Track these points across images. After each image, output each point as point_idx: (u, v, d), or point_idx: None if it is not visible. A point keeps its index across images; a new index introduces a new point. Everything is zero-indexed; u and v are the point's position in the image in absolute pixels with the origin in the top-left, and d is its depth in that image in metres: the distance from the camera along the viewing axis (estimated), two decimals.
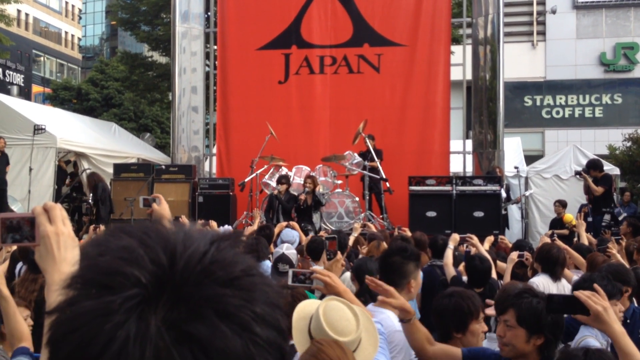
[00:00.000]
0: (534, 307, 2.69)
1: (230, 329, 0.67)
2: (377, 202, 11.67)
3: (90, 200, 12.53)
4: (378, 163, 11.21)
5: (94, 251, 0.73)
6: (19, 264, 5.72)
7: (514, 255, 5.83)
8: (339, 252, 4.03)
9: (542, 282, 5.13)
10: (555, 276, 5.14)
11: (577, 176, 12.07)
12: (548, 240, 6.74)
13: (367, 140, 11.36)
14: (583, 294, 2.37)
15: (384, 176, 11.04)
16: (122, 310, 0.66)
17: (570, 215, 10.97)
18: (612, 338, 2.39)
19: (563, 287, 5.11)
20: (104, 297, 0.68)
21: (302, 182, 10.91)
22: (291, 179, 11.33)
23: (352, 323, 2.40)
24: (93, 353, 0.65)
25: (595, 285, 2.49)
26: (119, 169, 12.95)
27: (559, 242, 5.86)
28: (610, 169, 14.37)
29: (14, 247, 6.18)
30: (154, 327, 0.66)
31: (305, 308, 2.51)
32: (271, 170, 11.84)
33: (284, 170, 11.64)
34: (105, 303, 0.67)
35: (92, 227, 8.27)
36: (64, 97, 36.58)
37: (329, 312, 2.38)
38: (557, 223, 12.27)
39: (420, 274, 3.75)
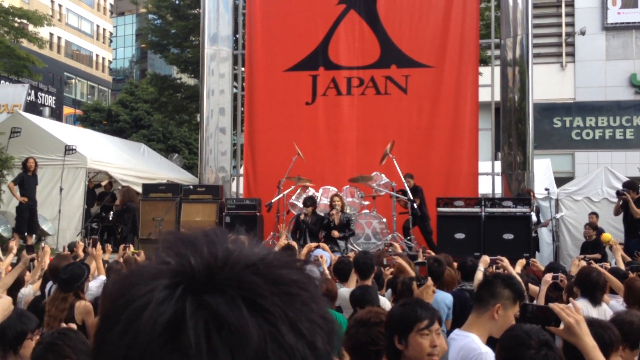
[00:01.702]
0: None
1: (251, 315, 0.66)
2: (424, 239, 11.40)
3: (111, 217, 12.67)
4: (415, 202, 11.00)
5: (163, 236, 0.78)
6: (49, 283, 5.77)
7: (548, 277, 5.72)
8: (429, 278, 3.93)
9: (581, 307, 5.00)
10: (595, 300, 5.01)
11: (619, 196, 11.78)
12: (579, 264, 6.61)
13: (405, 180, 11.24)
14: (557, 306, 2.38)
15: (411, 197, 10.96)
16: (156, 277, 0.69)
17: (608, 235, 10.74)
18: (583, 351, 2.37)
19: (604, 312, 4.98)
20: (150, 267, 0.72)
21: (328, 203, 10.87)
22: (318, 200, 11.31)
23: None
24: (117, 314, 0.68)
25: (571, 300, 2.48)
26: (148, 189, 13.06)
27: (596, 266, 5.73)
28: None
29: (47, 264, 6.25)
30: (179, 295, 0.67)
31: None
32: (298, 190, 11.84)
33: (310, 191, 11.62)
34: (146, 269, 0.72)
35: (122, 246, 8.33)
36: (95, 118, 37.13)
37: None
38: (588, 246, 12.04)
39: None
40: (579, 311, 2.39)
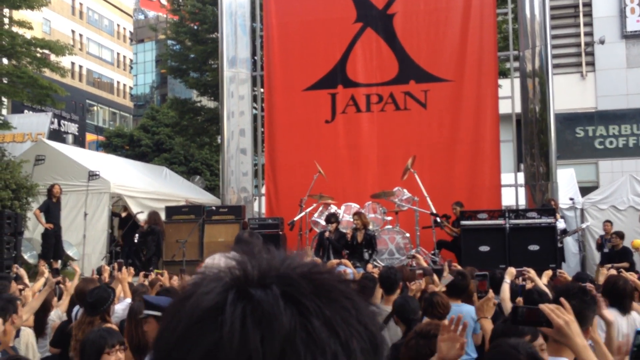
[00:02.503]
0: None
1: (286, 306, 0.70)
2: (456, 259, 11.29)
3: (135, 240, 12.73)
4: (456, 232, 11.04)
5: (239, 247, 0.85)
6: (76, 307, 5.80)
7: None
8: (490, 291, 3.89)
9: (611, 316, 4.92)
10: (625, 309, 4.91)
11: None
12: (607, 273, 6.50)
13: (453, 208, 11.51)
14: (548, 307, 2.36)
15: (434, 211, 10.92)
16: (216, 279, 0.76)
17: (638, 241, 10.57)
18: (574, 352, 2.36)
19: (634, 321, 4.88)
20: (221, 271, 0.78)
21: (351, 220, 10.86)
22: (340, 217, 11.29)
23: None
24: (176, 301, 0.77)
25: (562, 299, 2.46)
26: (171, 211, 13.14)
27: (625, 274, 5.63)
28: None
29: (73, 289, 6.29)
30: (223, 285, 0.74)
31: None
32: (320, 208, 11.84)
33: (333, 209, 11.62)
34: (213, 274, 0.78)
35: (142, 274, 8.35)
36: (117, 143, 37.56)
37: None
38: (615, 255, 11.86)
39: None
40: (569, 311, 2.36)
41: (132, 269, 8.03)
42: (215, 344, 0.69)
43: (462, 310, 5.49)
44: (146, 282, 7.31)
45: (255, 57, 15.74)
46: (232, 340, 0.68)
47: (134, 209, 14.39)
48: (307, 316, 0.70)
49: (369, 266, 8.53)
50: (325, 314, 0.71)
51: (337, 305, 0.73)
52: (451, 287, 5.75)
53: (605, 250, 12.63)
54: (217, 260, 5.56)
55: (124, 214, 14.15)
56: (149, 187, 15.94)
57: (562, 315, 2.33)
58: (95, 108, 54.27)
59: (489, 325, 3.44)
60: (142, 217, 13.55)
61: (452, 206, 11.56)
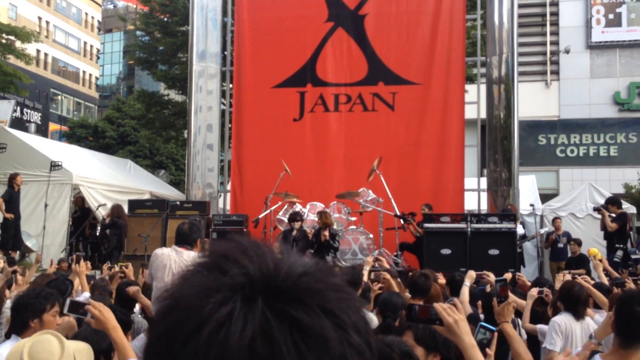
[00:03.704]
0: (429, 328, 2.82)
1: (329, 322, 0.70)
2: (418, 261, 11.34)
3: (98, 233, 12.57)
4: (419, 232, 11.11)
5: (212, 245, 0.79)
6: None
7: (534, 291, 5.75)
8: (510, 295, 3.96)
9: (564, 321, 5.04)
10: (578, 314, 5.04)
11: (596, 212, 12.00)
12: (563, 278, 6.66)
13: (422, 209, 11.58)
14: (440, 306, 2.48)
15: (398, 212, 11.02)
16: (228, 289, 0.70)
17: (595, 249, 10.85)
18: (461, 349, 2.46)
19: (587, 326, 5.00)
20: (213, 276, 0.73)
21: (315, 219, 10.89)
22: (305, 216, 11.32)
23: (54, 356, 2.72)
24: (194, 325, 0.69)
25: (455, 300, 2.62)
26: (134, 205, 13.01)
27: (581, 281, 5.78)
28: (626, 207, 14.26)
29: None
30: (259, 306, 0.69)
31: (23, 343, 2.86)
32: (285, 206, 11.85)
33: (298, 207, 11.64)
34: (213, 280, 0.72)
35: (105, 266, 8.25)
36: (81, 134, 37.02)
37: (35, 344, 2.75)
38: (572, 262, 12.14)
39: None
40: (460, 311, 2.47)
41: (88, 264, 7.92)
42: None
43: None
44: (107, 278, 7.22)
45: (225, 52, 15.66)
46: None
47: (97, 201, 14.21)
48: (344, 328, 0.71)
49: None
50: (352, 319, 0.73)
51: (352, 306, 0.75)
52: (414, 288, 5.80)
53: (560, 245, 13.02)
54: (166, 252, 5.54)
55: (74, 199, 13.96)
56: (112, 179, 15.74)
57: (453, 314, 2.44)
58: (59, 97, 53.33)
59: (510, 328, 3.59)
60: (104, 210, 13.38)
61: (421, 207, 11.67)
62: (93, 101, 59.27)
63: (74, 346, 2.87)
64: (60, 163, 13.54)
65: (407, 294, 5.60)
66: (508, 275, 6.72)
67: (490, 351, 2.80)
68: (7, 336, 5.55)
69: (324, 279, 0.75)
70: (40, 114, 44.29)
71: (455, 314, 2.45)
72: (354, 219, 11.63)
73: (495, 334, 2.84)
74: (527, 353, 3.68)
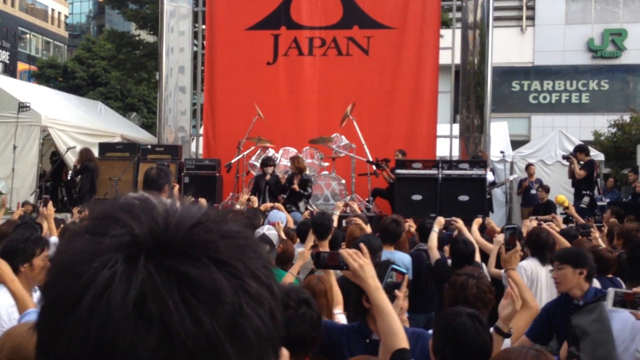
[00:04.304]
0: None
1: (221, 273, 0.67)
2: (390, 207, 11.44)
3: (70, 177, 12.46)
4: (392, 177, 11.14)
5: (94, 206, 0.74)
6: None
7: (500, 237, 5.87)
8: (518, 243, 4.07)
9: (530, 266, 5.19)
10: (544, 260, 5.19)
11: (565, 160, 12.19)
12: (530, 224, 6.81)
13: (397, 155, 11.55)
14: (346, 252, 2.58)
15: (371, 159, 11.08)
16: (110, 251, 0.67)
17: (562, 197, 11.06)
18: (367, 292, 2.59)
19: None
20: (95, 239, 0.69)
21: (288, 164, 10.90)
22: (278, 161, 11.32)
23: None
24: (75, 294, 0.65)
25: (361, 245, 2.71)
26: (105, 148, 12.87)
27: (547, 227, 5.92)
28: (595, 155, 14.51)
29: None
30: (142, 266, 0.66)
31: None
32: (258, 151, 11.82)
33: (270, 152, 11.62)
34: (94, 244, 0.68)
35: (75, 209, 8.20)
36: (50, 75, 36.20)
37: None
38: (539, 208, 12.38)
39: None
40: (365, 255, 2.58)
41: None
42: (163, 337, 0.63)
43: (395, 257, 5.66)
44: (77, 221, 7.19)
45: None
46: (186, 329, 0.63)
47: (67, 143, 14.01)
48: (239, 276, 0.69)
49: (306, 213, 8.64)
50: (249, 266, 0.70)
51: (249, 252, 0.72)
52: (385, 233, 5.88)
53: (533, 191, 13.26)
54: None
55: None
56: (82, 121, 15.49)
57: (358, 259, 2.54)
58: (27, 36, 51.86)
59: (516, 275, 3.73)
60: (72, 154, 13.21)
61: (395, 153, 11.71)
62: (62, 40, 57.79)
63: None
64: (28, 104, 13.27)
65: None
66: (478, 221, 6.85)
67: (400, 293, 2.90)
68: None
69: (216, 227, 0.71)
70: (7, 53, 43.18)
71: (361, 259, 2.54)
72: (326, 164, 11.65)
73: (407, 276, 2.91)
74: (533, 300, 3.83)
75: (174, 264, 0.66)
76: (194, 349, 0.63)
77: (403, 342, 2.48)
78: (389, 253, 5.69)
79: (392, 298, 2.75)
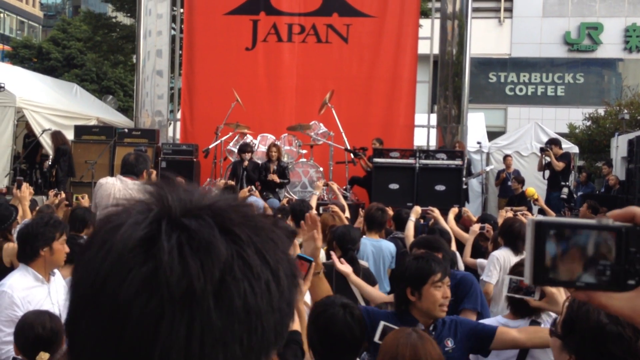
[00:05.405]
0: None
1: (221, 234, 0.73)
2: (368, 196, 11.45)
3: (49, 162, 12.31)
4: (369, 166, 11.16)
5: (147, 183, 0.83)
6: None
7: (476, 227, 5.96)
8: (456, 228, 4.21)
9: (503, 255, 5.28)
10: (517, 250, 5.28)
11: (543, 154, 12.32)
12: (505, 215, 6.90)
13: (374, 144, 11.55)
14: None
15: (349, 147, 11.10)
16: (142, 213, 0.75)
17: (532, 189, 11.21)
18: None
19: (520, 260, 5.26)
20: (130, 204, 0.78)
21: (265, 151, 10.88)
22: (255, 147, 11.30)
23: None
24: (98, 231, 0.76)
25: (308, 214, 2.98)
26: (80, 131, 12.73)
27: (521, 217, 6.01)
28: (569, 147, 14.71)
29: None
30: (153, 216, 0.74)
31: None
32: (236, 137, 11.78)
33: (248, 138, 11.59)
34: (128, 207, 0.77)
35: (51, 192, 8.11)
36: (24, 55, 35.61)
37: None
38: (514, 199, 12.52)
39: None
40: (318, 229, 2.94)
41: (31, 188, 7.75)
42: (152, 273, 0.69)
43: (382, 245, 5.73)
44: (52, 205, 7.12)
45: None
46: (172, 268, 0.69)
47: (42, 125, 13.80)
48: (241, 245, 0.73)
49: (284, 200, 8.66)
50: (256, 243, 0.75)
51: (264, 235, 0.76)
52: (371, 221, 5.93)
53: (510, 183, 13.41)
54: (111, 180, 5.51)
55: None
56: (57, 103, 15.26)
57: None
58: (1, 15, 50.87)
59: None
60: (47, 136, 13.02)
61: (372, 141, 11.75)
62: (37, 20, 56.84)
63: None
64: (2, 85, 13.05)
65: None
66: (454, 210, 6.94)
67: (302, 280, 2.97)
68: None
69: (240, 209, 0.78)
70: None
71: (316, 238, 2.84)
72: (304, 151, 11.66)
73: (313, 264, 2.93)
74: None
75: (185, 221, 0.73)
76: (175, 288, 0.68)
77: (296, 326, 2.59)
78: (374, 241, 5.75)
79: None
